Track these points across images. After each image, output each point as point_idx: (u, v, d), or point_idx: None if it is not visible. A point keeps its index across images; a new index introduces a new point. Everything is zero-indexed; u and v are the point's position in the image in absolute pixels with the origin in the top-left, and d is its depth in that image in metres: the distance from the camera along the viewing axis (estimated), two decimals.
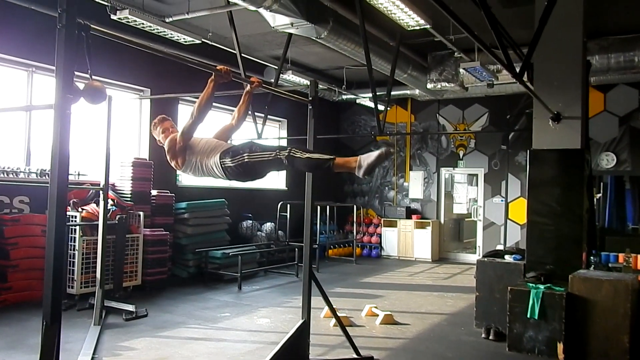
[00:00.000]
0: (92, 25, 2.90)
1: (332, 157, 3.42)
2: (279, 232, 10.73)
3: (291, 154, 3.42)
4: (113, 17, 6.95)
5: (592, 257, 6.30)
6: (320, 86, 10.87)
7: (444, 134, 12.28)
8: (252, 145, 3.65)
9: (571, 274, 5.33)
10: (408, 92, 11.36)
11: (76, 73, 2.73)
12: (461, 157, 12.20)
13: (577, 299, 5.17)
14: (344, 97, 11.90)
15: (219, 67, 3.86)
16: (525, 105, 11.20)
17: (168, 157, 3.87)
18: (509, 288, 5.49)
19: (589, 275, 5.33)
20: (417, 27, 6.77)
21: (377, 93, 11.04)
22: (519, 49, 8.07)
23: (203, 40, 7.89)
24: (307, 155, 3.44)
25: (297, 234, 11.28)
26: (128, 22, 7.01)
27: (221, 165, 3.63)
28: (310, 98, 5.05)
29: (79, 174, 7.78)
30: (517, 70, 4.68)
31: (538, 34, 4.61)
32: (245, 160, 3.57)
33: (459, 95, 11.40)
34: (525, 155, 11.26)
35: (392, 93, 11.26)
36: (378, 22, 8.07)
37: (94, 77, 3.02)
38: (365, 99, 11.63)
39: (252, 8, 6.46)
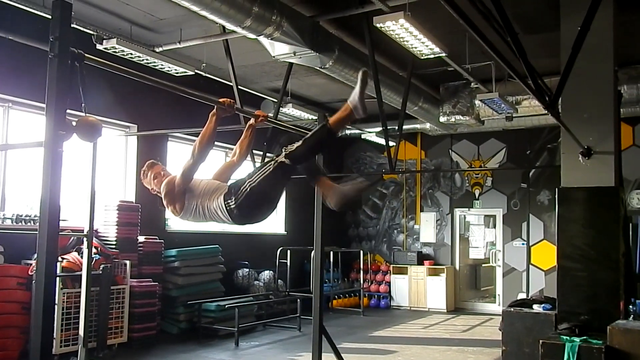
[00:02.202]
0: (87, 55, 2.89)
1: (323, 123, 3.45)
2: (279, 281, 10.56)
3: (289, 150, 3.38)
4: (99, 46, 7.00)
5: (630, 306, 6.17)
6: None
7: (458, 172, 12.26)
8: (249, 173, 3.58)
9: (609, 325, 5.20)
10: (418, 126, 11.39)
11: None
12: (477, 196, 12.15)
13: (618, 353, 5.03)
14: (349, 132, 11.92)
15: (221, 99, 3.83)
16: (546, 140, 11.23)
17: (165, 202, 3.78)
18: (540, 341, 5.34)
19: (630, 326, 5.20)
20: (432, 56, 6.82)
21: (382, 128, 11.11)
22: (541, 79, 8.12)
23: (196, 71, 7.93)
24: (302, 141, 3.40)
25: (299, 283, 11.15)
26: (115, 52, 7.05)
27: (226, 207, 3.54)
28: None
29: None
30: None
31: (570, 62, 4.61)
32: (249, 188, 3.46)
33: (474, 130, 11.42)
34: (548, 194, 11.29)
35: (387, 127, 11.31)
36: (387, 50, 8.14)
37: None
38: (371, 134, 11.66)
39: (252, 36, 6.52)
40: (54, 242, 2.55)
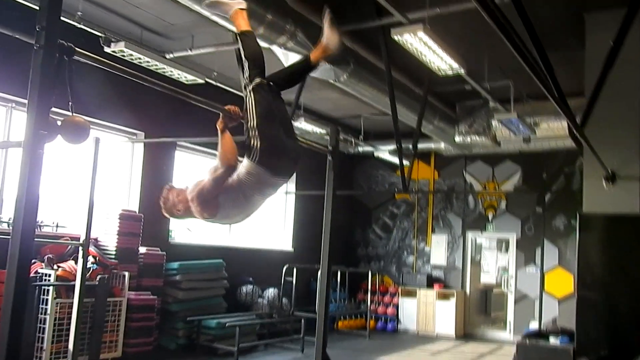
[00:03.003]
0: (77, 49, 2.63)
1: (305, 56, 3.78)
2: (283, 299, 10.23)
3: (267, 77, 3.46)
4: (107, 49, 6.80)
5: None
6: None
7: (472, 194, 11.91)
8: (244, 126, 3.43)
9: None
10: (432, 145, 11.08)
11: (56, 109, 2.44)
12: (490, 219, 11.79)
13: None
14: (361, 149, 11.64)
15: (227, 106, 3.56)
16: (563, 164, 10.88)
17: (197, 210, 3.42)
18: None
19: None
20: (450, 72, 6.55)
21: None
22: (563, 98, 7.81)
23: (207, 80, 7.71)
24: (284, 69, 3.76)
25: (304, 302, 10.80)
26: (124, 56, 6.85)
27: (254, 161, 3.25)
28: (330, 148, 4.76)
29: (57, 226, 7.43)
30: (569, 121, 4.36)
31: (602, 80, 4.30)
32: (255, 128, 3.28)
33: (489, 151, 11.11)
34: (564, 219, 10.92)
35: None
36: (402, 65, 7.89)
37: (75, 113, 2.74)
38: (384, 152, 11.36)
39: (265, 45, 6.27)
40: (28, 250, 2.32)
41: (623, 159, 5.86)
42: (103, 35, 6.79)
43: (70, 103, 2.62)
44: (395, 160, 11.81)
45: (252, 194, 3.34)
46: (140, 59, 6.90)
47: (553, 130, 9.09)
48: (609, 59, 4.36)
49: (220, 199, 3.33)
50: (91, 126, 2.65)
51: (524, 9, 4.02)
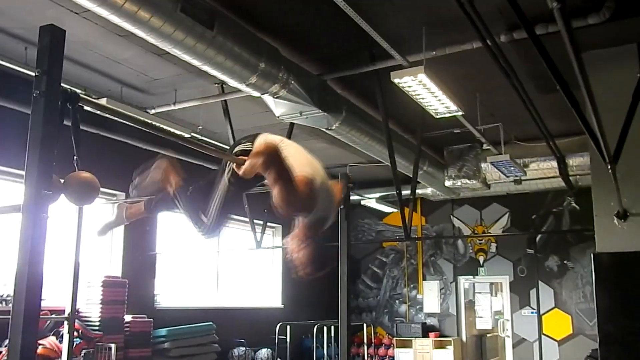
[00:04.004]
0: (82, 96, 2.24)
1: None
2: (278, 359, 9.61)
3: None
4: (87, 107, 6.39)
5: None
6: None
7: (461, 238, 11.61)
8: None
9: None
10: (419, 191, 10.77)
11: None
12: (481, 263, 11.45)
13: None
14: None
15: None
16: (551, 204, 10.69)
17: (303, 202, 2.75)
18: None
19: None
20: (447, 115, 6.30)
21: (385, 193, 10.51)
22: (553, 141, 7.67)
23: (193, 134, 7.32)
24: None
25: None
26: (104, 113, 6.43)
27: None
28: (342, 196, 4.39)
29: None
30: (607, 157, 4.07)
31: (631, 114, 4.01)
32: None
33: (476, 194, 10.88)
34: (557, 260, 10.66)
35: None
36: (391, 111, 7.66)
37: None
38: (371, 200, 11.03)
39: (256, 94, 5.95)
40: (33, 327, 1.94)
41: (634, 194, 5.61)
42: (82, 93, 6.38)
43: (75, 157, 2.20)
44: (382, 207, 11.49)
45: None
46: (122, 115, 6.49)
47: (543, 172, 8.92)
48: (637, 90, 4.13)
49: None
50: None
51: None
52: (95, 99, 6.35)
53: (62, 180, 2.20)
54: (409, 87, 5.54)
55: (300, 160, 2.74)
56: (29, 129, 2.04)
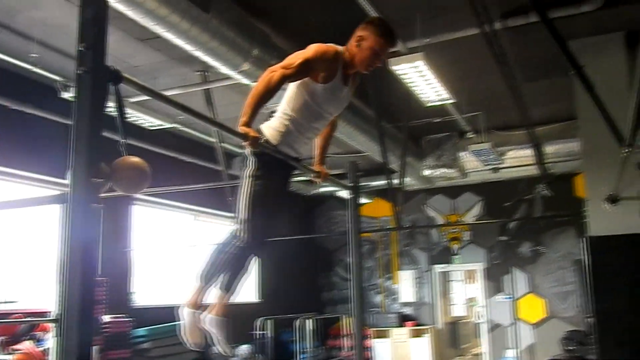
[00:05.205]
0: (124, 75, 2.04)
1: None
2: (258, 356, 9.42)
3: None
4: (64, 94, 6.09)
5: None
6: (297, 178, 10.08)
7: (435, 227, 11.64)
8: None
9: None
10: (394, 181, 10.74)
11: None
12: (456, 251, 11.53)
13: None
14: (321, 190, 11.15)
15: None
16: (524, 191, 10.83)
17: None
18: None
19: None
20: (438, 103, 6.25)
21: (363, 184, 10.41)
22: (533, 128, 7.72)
23: (174, 124, 7.04)
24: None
25: (282, 356, 10.06)
26: None
27: None
28: (351, 184, 4.28)
29: (4, 302, 6.44)
30: None
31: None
32: None
33: (449, 184, 10.93)
34: (530, 246, 10.83)
35: (373, 183, 10.68)
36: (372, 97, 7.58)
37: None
38: (345, 192, 10.91)
39: (247, 82, 5.73)
40: (88, 326, 1.77)
41: (623, 180, 5.68)
42: (59, 79, 6.05)
43: (122, 141, 1.98)
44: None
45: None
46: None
47: (520, 159, 9.01)
48: None
49: None
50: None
51: None
52: (71, 86, 6.03)
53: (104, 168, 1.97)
54: (405, 74, 5.45)
55: None
56: (74, 110, 1.83)
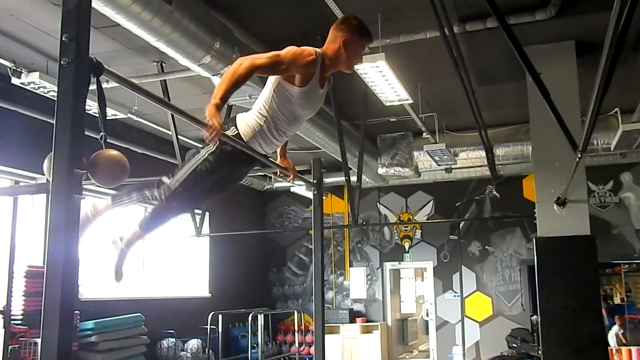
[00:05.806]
0: (106, 67, 2.08)
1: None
2: (209, 351, 9.41)
3: None
4: (15, 80, 5.96)
5: None
6: (251, 173, 10.11)
7: (387, 225, 11.89)
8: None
9: None
10: (345, 178, 10.91)
11: None
12: (407, 249, 11.82)
13: None
14: (275, 185, 11.22)
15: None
16: (474, 192, 11.20)
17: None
18: None
19: None
20: (396, 103, 6.41)
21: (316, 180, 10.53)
22: (485, 131, 8.01)
23: (129, 115, 6.97)
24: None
25: (225, 351, 10.07)
26: (35, 88, 6.02)
27: None
28: (314, 180, 4.38)
29: None
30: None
31: (597, 104, 4.24)
32: None
33: (402, 182, 11.18)
34: (479, 245, 11.21)
35: (327, 180, 10.79)
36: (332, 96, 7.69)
37: None
38: (300, 187, 11.02)
39: (207, 75, 5.75)
40: (68, 320, 1.83)
41: (570, 183, 5.99)
42: (11, 66, 5.91)
43: (102, 134, 2.02)
44: (309, 195, 11.49)
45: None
46: (54, 90, 6.08)
47: (471, 161, 9.32)
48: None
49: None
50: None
51: None
52: (25, 72, 5.92)
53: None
54: (366, 73, 5.58)
55: None
56: (56, 101, 1.86)
